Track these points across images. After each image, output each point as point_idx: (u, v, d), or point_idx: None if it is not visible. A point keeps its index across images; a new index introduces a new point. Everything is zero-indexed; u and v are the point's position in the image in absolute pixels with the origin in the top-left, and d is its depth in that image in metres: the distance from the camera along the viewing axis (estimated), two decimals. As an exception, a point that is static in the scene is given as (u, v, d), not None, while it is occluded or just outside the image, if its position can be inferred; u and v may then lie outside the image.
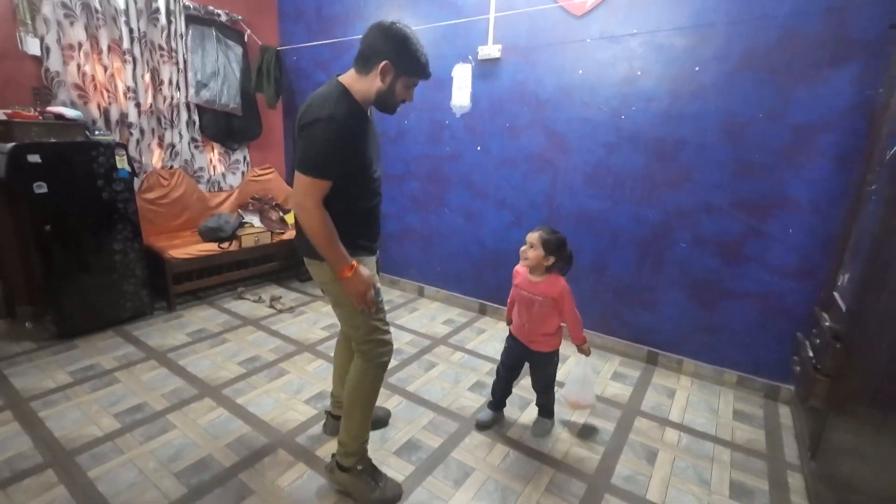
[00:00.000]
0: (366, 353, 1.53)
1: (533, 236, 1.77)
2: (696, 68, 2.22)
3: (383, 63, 1.33)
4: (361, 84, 1.38)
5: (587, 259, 2.71)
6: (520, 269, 1.87)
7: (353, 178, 1.39)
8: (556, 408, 2.01)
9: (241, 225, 3.57)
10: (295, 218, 1.42)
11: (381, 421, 1.98)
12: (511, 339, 1.95)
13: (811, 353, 1.89)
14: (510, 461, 1.81)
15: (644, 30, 2.32)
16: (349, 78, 1.39)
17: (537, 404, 2.02)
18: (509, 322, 1.98)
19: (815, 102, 1.98)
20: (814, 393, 1.77)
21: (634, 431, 2.03)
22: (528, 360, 1.94)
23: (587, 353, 1.86)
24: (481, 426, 1.98)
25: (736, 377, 2.40)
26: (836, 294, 1.91)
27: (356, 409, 1.55)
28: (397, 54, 1.34)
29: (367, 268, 1.47)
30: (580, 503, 1.61)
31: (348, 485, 1.57)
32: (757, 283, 2.25)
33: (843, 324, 1.73)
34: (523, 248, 1.80)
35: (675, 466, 1.82)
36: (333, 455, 1.62)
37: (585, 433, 2.00)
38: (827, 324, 1.84)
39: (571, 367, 1.93)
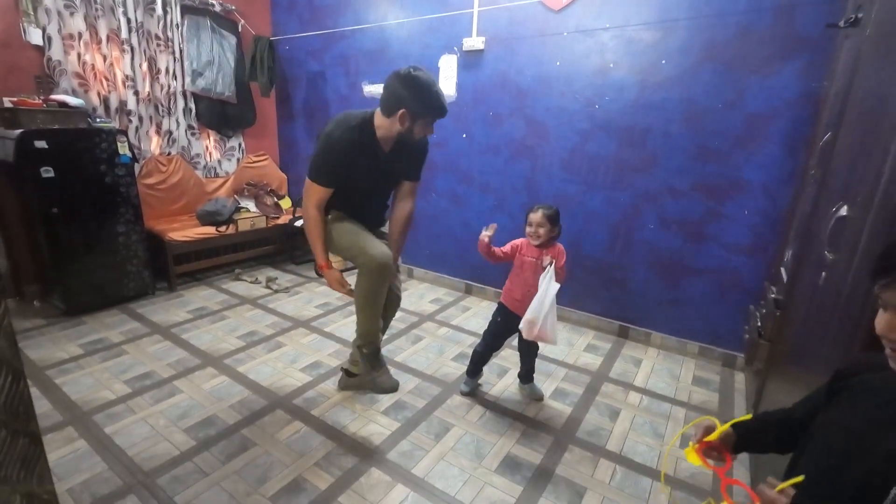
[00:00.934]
0: (361, 267, 1.84)
1: (537, 217, 1.87)
2: (663, 61, 2.39)
3: (401, 111, 1.61)
4: (385, 124, 1.68)
5: (563, 240, 2.84)
6: (523, 243, 1.96)
7: (338, 191, 1.79)
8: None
9: (238, 210, 3.72)
10: None
11: (391, 388, 2.14)
12: (505, 311, 2.01)
13: (759, 323, 2.10)
14: (486, 419, 2.01)
15: (615, 24, 2.48)
16: (378, 115, 1.70)
17: (527, 371, 2.15)
18: (488, 249, 1.96)
19: (767, 93, 2.16)
20: (757, 356, 1.99)
21: (601, 394, 2.24)
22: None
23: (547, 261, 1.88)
24: (465, 395, 2.16)
25: (697, 347, 2.62)
26: (782, 269, 2.11)
27: (359, 307, 1.91)
28: (413, 101, 1.60)
29: (341, 219, 1.89)
30: (547, 451, 1.82)
31: (357, 360, 2.02)
32: (715, 260, 2.45)
33: (784, 294, 1.93)
34: (530, 230, 1.89)
35: (634, 423, 2.03)
36: (342, 367, 2.14)
37: (556, 395, 2.20)
38: (773, 295, 2.04)
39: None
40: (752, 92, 2.20)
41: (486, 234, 1.93)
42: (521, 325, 1.88)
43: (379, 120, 1.68)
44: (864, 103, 1.38)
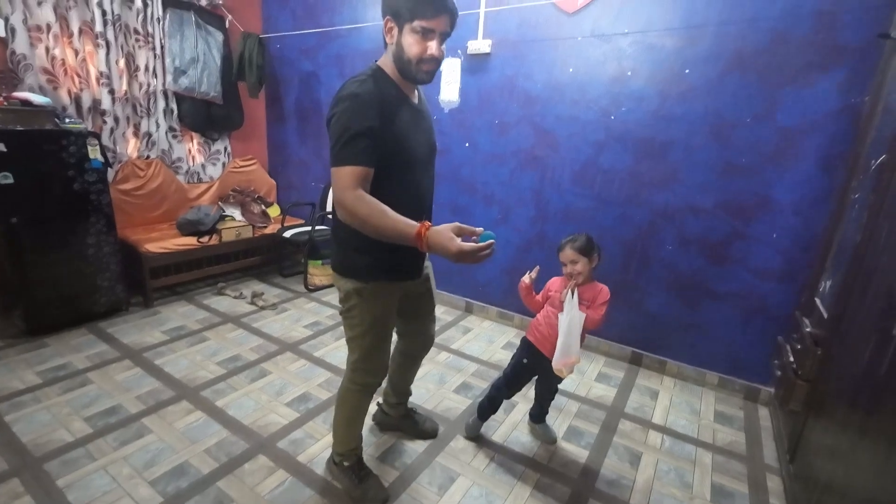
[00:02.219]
0: (350, 372, 1.50)
1: (569, 254, 1.61)
2: (686, 70, 2.21)
3: (385, 19, 1.20)
4: (389, 59, 1.25)
5: None
6: (558, 281, 1.73)
7: (381, 174, 1.21)
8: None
9: (222, 218, 3.47)
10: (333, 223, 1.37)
11: (430, 433, 1.93)
12: (531, 351, 1.76)
13: (791, 358, 1.92)
14: (495, 465, 1.79)
15: (635, 29, 2.29)
16: (383, 57, 1.28)
17: (542, 412, 1.96)
18: (529, 293, 1.73)
19: (802, 106, 1.99)
20: (793, 397, 1.80)
21: (618, 434, 2.04)
22: (545, 371, 1.79)
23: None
24: (471, 437, 1.92)
25: (717, 378, 2.43)
26: (817, 300, 1.93)
27: (339, 420, 1.57)
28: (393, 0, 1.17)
29: (383, 300, 1.38)
30: (564, 508, 1.61)
31: (336, 477, 1.64)
32: (740, 285, 2.27)
33: (824, 329, 1.75)
34: (566, 269, 1.64)
35: (658, 469, 1.84)
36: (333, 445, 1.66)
37: (570, 436, 2.00)
38: (808, 329, 1.86)
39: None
40: (786, 105, 2.02)
41: (529, 277, 1.69)
42: (554, 365, 1.65)
43: (384, 59, 1.27)
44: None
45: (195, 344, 2.58)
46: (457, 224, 1.14)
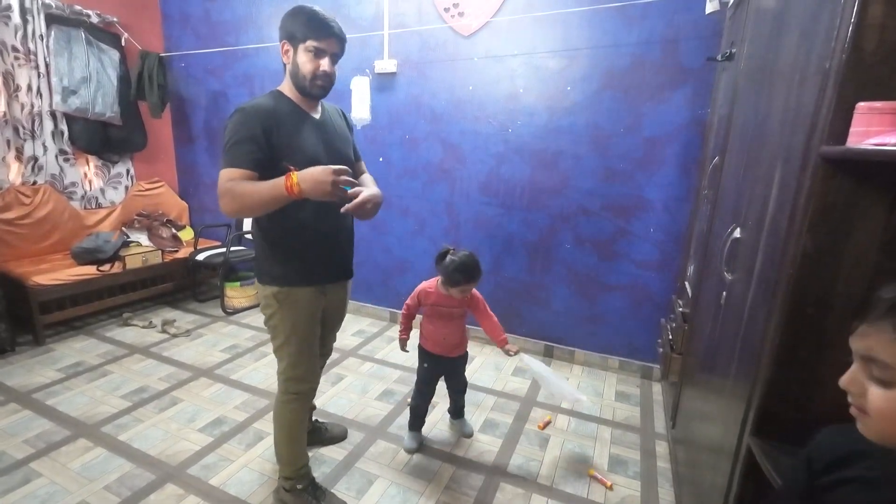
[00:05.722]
0: (281, 384, 1.52)
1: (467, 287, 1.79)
2: (568, 87, 2.48)
3: (282, 44, 1.36)
4: (286, 80, 1.40)
5: (485, 262, 2.81)
6: (429, 288, 1.85)
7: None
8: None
9: (126, 244, 3.27)
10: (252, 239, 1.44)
11: (337, 438, 1.98)
12: (429, 357, 1.90)
13: (670, 336, 2.19)
14: (413, 464, 1.86)
15: (522, 51, 2.54)
16: (283, 81, 1.42)
17: (458, 408, 2.06)
18: (403, 344, 1.90)
19: (661, 118, 2.31)
20: (671, 369, 2.06)
21: (530, 421, 2.19)
22: (449, 369, 1.94)
23: (514, 351, 1.87)
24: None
25: (618, 362, 2.69)
26: (686, 283, 2.23)
27: (280, 439, 1.56)
28: (288, 25, 1.33)
29: (301, 305, 1.43)
30: (477, 494, 1.71)
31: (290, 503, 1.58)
32: (627, 277, 2.55)
33: (690, 308, 2.03)
34: (464, 295, 1.80)
35: (564, 448, 2.00)
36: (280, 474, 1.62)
37: (486, 428, 2.12)
38: (680, 309, 2.14)
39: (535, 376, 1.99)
40: (649, 117, 2.34)
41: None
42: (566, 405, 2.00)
43: (284, 83, 1.42)
44: (745, 131, 1.48)
45: (95, 379, 2.41)
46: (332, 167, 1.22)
